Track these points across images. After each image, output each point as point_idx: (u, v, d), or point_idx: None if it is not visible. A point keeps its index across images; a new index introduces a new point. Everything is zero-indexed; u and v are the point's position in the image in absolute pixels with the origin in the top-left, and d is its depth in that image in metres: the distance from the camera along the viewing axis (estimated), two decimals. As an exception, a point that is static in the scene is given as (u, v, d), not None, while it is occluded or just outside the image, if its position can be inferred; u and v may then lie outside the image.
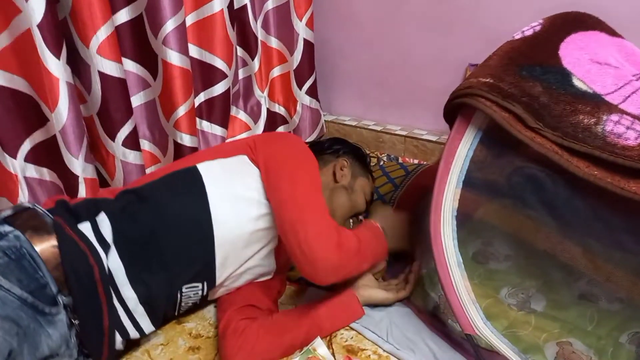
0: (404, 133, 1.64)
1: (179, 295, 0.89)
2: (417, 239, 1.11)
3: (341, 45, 1.72)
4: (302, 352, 0.84)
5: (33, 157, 1.14)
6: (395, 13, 1.55)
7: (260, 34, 1.55)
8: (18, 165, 1.13)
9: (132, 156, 1.23)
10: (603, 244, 0.91)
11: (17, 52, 1.00)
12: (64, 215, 0.80)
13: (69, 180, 1.15)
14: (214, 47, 1.34)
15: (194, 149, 1.33)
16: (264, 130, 1.61)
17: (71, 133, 1.09)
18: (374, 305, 0.96)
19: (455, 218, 0.84)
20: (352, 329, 0.92)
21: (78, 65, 1.13)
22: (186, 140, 1.31)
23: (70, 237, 0.77)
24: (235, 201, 0.89)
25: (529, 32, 0.85)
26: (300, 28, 1.58)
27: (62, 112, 1.05)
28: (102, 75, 1.12)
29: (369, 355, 0.86)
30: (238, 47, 1.49)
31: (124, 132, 1.20)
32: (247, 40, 1.50)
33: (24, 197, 1.16)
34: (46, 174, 1.19)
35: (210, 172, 0.91)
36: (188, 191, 0.88)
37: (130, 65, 1.27)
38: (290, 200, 0.84)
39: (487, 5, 1.38)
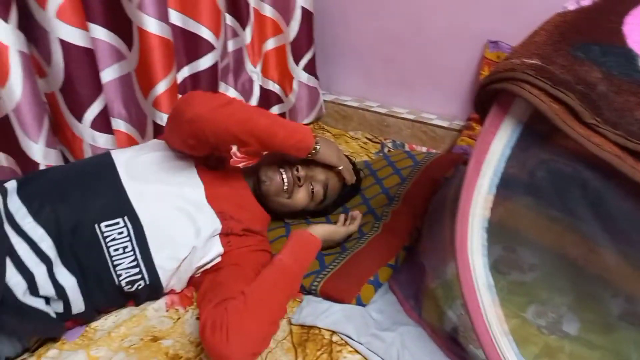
0: (411, 117, 1.50)
1: (99, 234, 0.79)
2: (428, 244, 0.98)
3: (343, 14, 1.56)
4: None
5: (-14, 140, 0.99)
6: (406, -21, 1.40)
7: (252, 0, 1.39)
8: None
9: (102, 140, 1.08)
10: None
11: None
12: None
13: (29, 167, 1.00)
14: (199, 14, 1.19)
15: (175, 133, 1.17)
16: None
17: (27, 113, 0.94)
18: (382, 328, 0.84)
19: (487, 230, 0.70)
20: (357, 352, 0.79)
21: (34, 32, 0.96)
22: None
23: None
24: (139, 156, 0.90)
25: (585, 2, 0.70)
26: (298, -6, 1.41)
27: (14, 87, 0.90)
28: (64, 44, 0.96)
29: (376, 388, 0.73)
30: (227, 15, 1.34)
31: (92, 111, 1.05)
32: (238, 7, 1.35)
33: (-22, 185, 1.00)
34: (3, 160, 1.04)
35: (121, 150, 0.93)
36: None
37: (100, 33, 1.11)
38: None
39: (514, -29, 1.22)
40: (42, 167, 1.00)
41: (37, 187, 0.81)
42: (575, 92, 0.63)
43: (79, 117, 1.04)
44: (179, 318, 0.88)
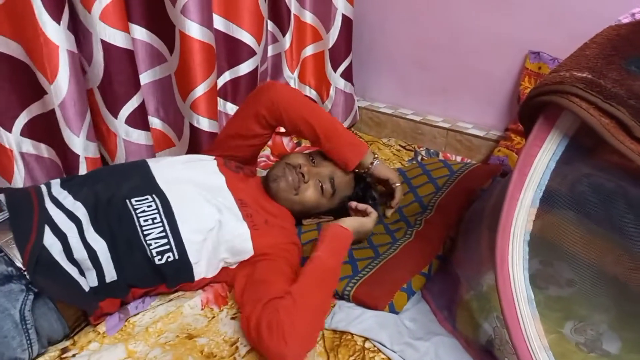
0: (446, 125, 1.49)
1: (130, 207, 0.87)
2: (463, 255, 0.97)
3: (381, 21, 1.56)
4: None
5: (30, 132, 1.04)
6: (446, -13, 1.39)
7: (293, 6, 1.41)
8: (13, 139, 1.04)
9: (135, 135, 1.12)
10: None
11: (10, 14, 0.88)
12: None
13: (69, 159, 1.05)
14: (242, 20, 1.21)
15: (213, 135, 1.19)
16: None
17: (71, 107, 0.98)
18: (416, 338, 0.83)
19: (529, 244, 0.69)
20: (390, 360, 0.79)
21: (79, 33, 1.01)
22: (204, 124, 1.18)
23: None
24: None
25: (640, 15, 0.68)
26: (339, 1, 1.42)
27: (61, 84, 0.94)
28: (105, 45, 1.00)
29: (409, 398, 0.73)
30: (268, 21, 1.36)
31: (128, 108, 1.09)
32: (279, 13, 1.36)
33: (19, 174, 1.06)
34: (44, 151, 1.09)
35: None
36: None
37: (143, 34, 1.14)
38: None
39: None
40: (81, 159, 1.05)
41: (76, 180, 0.91)
42: (627, 107, 0.61)
43: (115, 113, 1.07)
44: (213, 317, 0.89)
